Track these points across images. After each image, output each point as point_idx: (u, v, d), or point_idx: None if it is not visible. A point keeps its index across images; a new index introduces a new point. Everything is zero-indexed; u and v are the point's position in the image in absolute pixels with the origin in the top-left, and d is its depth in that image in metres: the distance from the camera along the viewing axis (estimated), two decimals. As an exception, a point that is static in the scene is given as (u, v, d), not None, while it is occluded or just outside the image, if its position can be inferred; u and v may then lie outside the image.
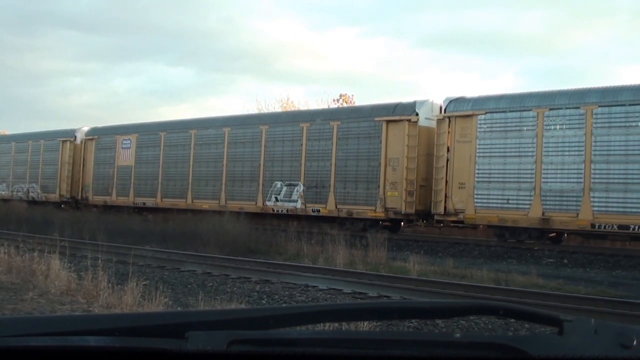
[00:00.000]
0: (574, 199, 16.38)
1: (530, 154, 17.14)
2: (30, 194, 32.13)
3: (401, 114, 19.79)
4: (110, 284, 8.17)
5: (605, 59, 65.09)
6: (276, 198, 22.37)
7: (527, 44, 66.87)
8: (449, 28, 67.14)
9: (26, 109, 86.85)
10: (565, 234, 17.94)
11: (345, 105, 38.41)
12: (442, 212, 18.65)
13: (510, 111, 17.63)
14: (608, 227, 15.94)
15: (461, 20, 65.97)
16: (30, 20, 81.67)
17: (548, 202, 16.78)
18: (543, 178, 16.89)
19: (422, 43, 70.69)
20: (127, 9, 78.66)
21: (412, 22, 70.18)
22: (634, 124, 15.78)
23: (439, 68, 69.42)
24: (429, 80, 66.58)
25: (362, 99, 59.43)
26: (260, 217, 22.55)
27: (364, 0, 69.69)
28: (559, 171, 16.70)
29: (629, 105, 15.88)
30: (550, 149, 16.84)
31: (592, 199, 16.08)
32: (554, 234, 17.63)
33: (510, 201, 17.41)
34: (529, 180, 17.14)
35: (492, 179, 17.79)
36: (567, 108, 16.74)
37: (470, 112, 18.26)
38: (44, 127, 34.51)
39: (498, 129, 17.79)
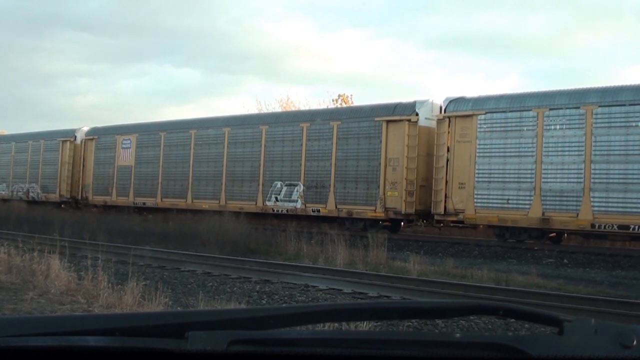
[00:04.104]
0: (574, 199, 16.38)
1: (530, 154, 17.14)
2: (30, 194, 32.13)
3: (401, 114, 19.79)
4: (110, 284, 8.18)
5: (611, 61, 65.17)
6: (276, 198, 22.38)
7: (532, 46, 67.00)
8: (455, 30, 67.29)
9: (31, 109, 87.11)
10: (565, 234, 17.94)
11: (344, 105, 38.40)
12: (442, 212, 18.65)
13: (510, 111, 17.63)
14: (608, 227, 15.94)
15: (467, 22, 66.19)
16: (39, 22, 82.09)
17: (548, 202, 16.78)
18: (543, 178, 16.89)
19: (428, 45, 70.91)
20: (136, 11, 78.96)
21: (419, 24, 70.42)
22: (634, 124, 15.78)
23: (444, 69, 69.62)
24: (433, 81, 66.77)
25: (368, 100, 59.67)
26: (260, 217, 22.55)
27: (372, 2, 69.85)
28: (559, 171, 16.70)
29: (629, 105, 15.88)
30: (550, 149, 16.84)
31: (592, 199, 16.08)
32: (554, 234, 17.63)
33: (510, 201, 17.41)
34: (529, 180, 17.14)
35: (492, 179, 17.79)
36: (567, 108, 16.75)
37: (470, 112, 18.26)
38: (47, 128, 34.51)
39: (498, 129, 17.79)
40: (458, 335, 1.31)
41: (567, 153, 16.59)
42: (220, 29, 76.12)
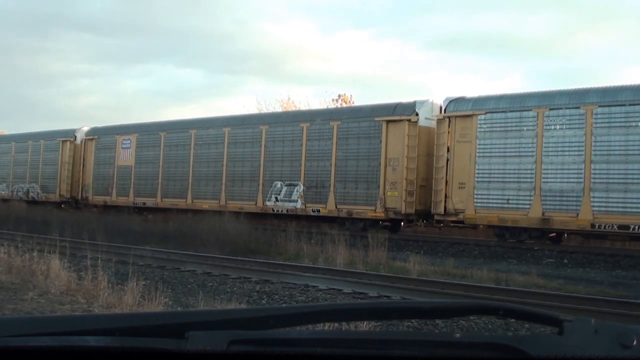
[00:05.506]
0: (574, 199, 16.38)
1: (530, 154, 17.14)
2: (30, 194, 32.13)
3: (401, 114, 19.79)
4: (110, 284, 8.18)
5: (612, 61, 65.22)
6: (276, 198, 22.38)
7: (533, 46, 67.06)
8: (456, 30, 67.33)
9: (31, 109, 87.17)
10: (565, 234, 17.94)
11: (344, 105, 38.40)
12: (442, 212, 18.65)
13: (510, 111, 17.63)
14: (608, 227, 15.94)
15: (468, 22, 66.22)
16: (43, 22, 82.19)
17: (548, 202, 16.78)
18: (543, 178, 16.90)
19: (430, 45, 70.97)
20: (138, 12, 79.04)
21: (420, 25, 70.45)
22: (634, 124, 15.78)
23: (446, 70, 69.70)
24: (435, 81, 66.82)
25: (368, 100, 59.74)
26: (260, 217, 22.55)
27: (373, 3, 69.92)
28: (559, 171, 16.70)
29: (629, 105, 15.88)
30: (550, 149, 16.84)
31: (592, 199, 16.08)
32: (554, 234, 17.63)
33: (510, 201, 17.41)
34: (529, 180, 17.14)
35: (492, 179, 17.79)
36: (567, 108, 16.75)
37: (470, 112, 18.26)
38: (48, 128, 34.57)
39: (498, 129, 17.79)
40: (458, 335, 1.31)
41: (567, 153, 16.60)
42: (222, 30, 76.27)
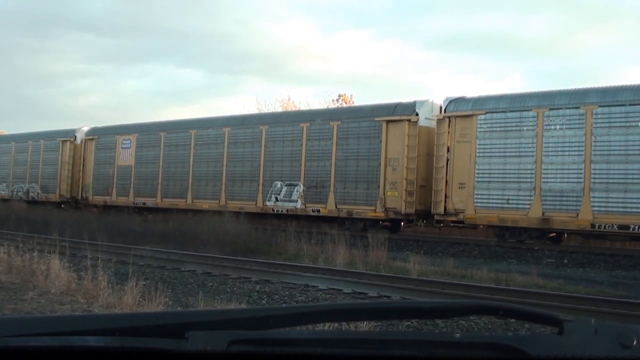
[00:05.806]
0: (574, 199, 16.38)
1: (530, 154, 17.14)
2: (30, 194, 32.13)
3: (401, 114, 19.79)
4: (110, 284, 8.17)
5: (612, 61, 65.23)
6: (276, 198, 22.38)
7: (533, 46, 67.09)
8: (457, 31, 67.35)
9: (33, 110, 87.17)
10: (565, 234, 17.94)
11: (344, 105, 38.39)
12: (442, 212, 18.65)
13: (510, 111, 17.63)
14: (608, 227, 15.94)
15: (468, 23, 66.26)
16: (43, 22, 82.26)
17: (548, 202, 16.78)
18: (543, 178, 16.90)
19: (430, 45, 70.98)
20: (139, 12, 79.07)
21: (421, 25, 70.49)
22: (634, 124, 15.78)
23: (446, 70, 69.73)
24: (435, 81, 66.84)
25: (368, 100, 59.75)
26: (260, 217, 22.55)
27: (374, 3, 69.96)
28: (559, 171, 16.70)
29: (629, 105, 15.88)
30: (550, 149, 16.84)
31: (592, 199, 16.08)
32: (554, 234, 17.63)
33: (510, 201, 17.41)
34: (529, 180, 17.14)
35: (492, 179, 17.79)
36: (567, 108, 16.75)
37: (470, 112, 18.26)
38: (48, 128, 34.58)
39: (498, 129, 17.79)
40: (458, 335, 1.31)
41: (567, 153, 16.60)
42: (222, 30, 76.31)
